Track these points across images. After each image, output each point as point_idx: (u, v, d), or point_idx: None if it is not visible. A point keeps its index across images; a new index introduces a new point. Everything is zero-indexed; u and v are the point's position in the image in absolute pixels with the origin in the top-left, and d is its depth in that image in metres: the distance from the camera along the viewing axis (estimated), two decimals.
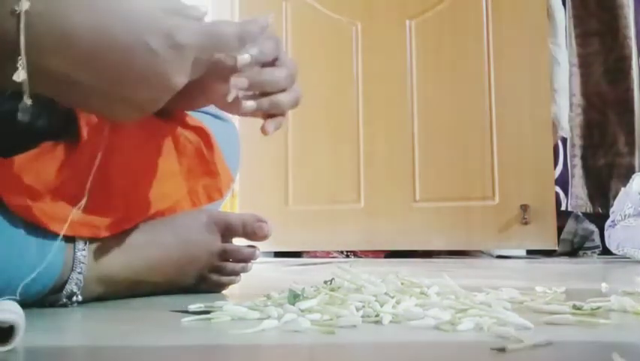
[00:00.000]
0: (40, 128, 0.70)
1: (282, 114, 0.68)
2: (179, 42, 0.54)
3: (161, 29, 0.53)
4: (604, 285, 0.74)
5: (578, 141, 2.29)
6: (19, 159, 0.68)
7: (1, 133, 0.69)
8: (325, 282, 0.68)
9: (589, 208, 2.25)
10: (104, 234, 0.69)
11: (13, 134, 0.69)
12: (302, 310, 0.55)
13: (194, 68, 0.57)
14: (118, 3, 0.53)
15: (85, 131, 0.72)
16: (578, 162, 2.28)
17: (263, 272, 1.31)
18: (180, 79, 0.55)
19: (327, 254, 2.24)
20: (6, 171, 0.65)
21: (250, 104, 0.65)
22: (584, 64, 2.29)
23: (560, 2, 2.28)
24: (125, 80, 0.54)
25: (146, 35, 0.53)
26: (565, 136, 2.28)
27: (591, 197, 2.27)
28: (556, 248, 2.12)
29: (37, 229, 0.65)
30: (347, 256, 2.22)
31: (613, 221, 1.86)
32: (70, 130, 0.72)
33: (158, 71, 0.54)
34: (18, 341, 0.43)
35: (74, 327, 0.58)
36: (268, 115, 0.68)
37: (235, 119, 0.87)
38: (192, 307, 0.62)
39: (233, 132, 0.91)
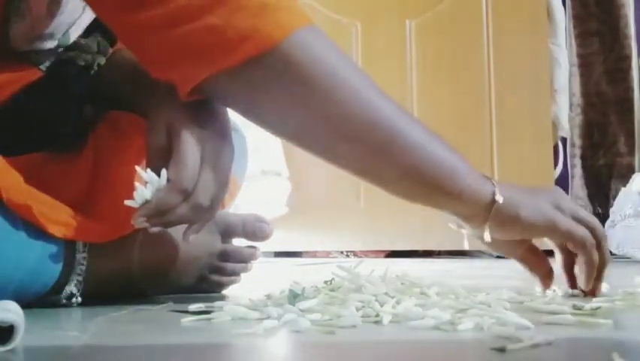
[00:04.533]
0: (62, 134, 0.72)
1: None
2: None
3: None
4: (604, 285, 0.74)
5: (577, 141, 2.29)
6: (23, 162, 0.68)
7: (19, 133, 0.71)
8: (325, 282, 0.68)
9: (589, 208, 2.25)
10: (103, 239, 0.69)
11: (31, 135, 0.71)
12: (302, 310, 0.55)
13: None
14: None
15: (89, 140, 0.74)
16: (577, 162, 2.28)
17: (263, 272, 1.31)
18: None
19: (327, 254, 2.24)
20: (9, 173, 0.65)
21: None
22: (584, 64, 2.29)
23: (560, 2, 2.28)
24: None
25: None
26: (565, 136, 2.28)
27: (591, 197, 2.27)
28: None
29: (38, 231, 0.65)
30: (347, 256, 2.22)
31: (613, 221, 1.86)
32: (78, 139, 0.74)
33: None
34: (18, 341, 0.43)
35: (74, 327, 0.58)
36: None
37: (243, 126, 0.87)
38: (192, 307, 0.62)
39: (243, 142, 0.91)
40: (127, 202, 0.62)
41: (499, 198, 0.65)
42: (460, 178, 0.64)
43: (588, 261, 0.68)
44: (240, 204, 1.64)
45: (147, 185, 0.62)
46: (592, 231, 0.68)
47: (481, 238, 0.68)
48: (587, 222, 0.68)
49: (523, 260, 0.72)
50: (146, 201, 0.62)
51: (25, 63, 0.69)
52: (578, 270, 0.70)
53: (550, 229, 0.67)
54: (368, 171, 0.65)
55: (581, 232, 0.67)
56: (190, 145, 0.62)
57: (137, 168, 0.63)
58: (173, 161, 0.62)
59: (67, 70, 0.72)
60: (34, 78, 0.69)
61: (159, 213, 0.62)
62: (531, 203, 0.66)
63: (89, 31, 0.73)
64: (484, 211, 0.65)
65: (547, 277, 0.72)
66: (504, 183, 0.67)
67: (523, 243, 0.71)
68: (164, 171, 0.62)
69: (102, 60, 0.74)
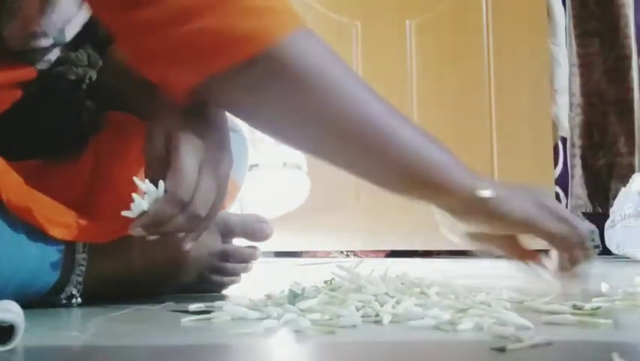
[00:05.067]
0: (62, 136, 0.72)
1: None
2: None
3: None
4: (604, 285, 0.74)
5: (577, 141, 2.28)
6: (23, 164, 0.68)
7: (20, 137, 0.71)
8: (325, 282, 0.68)
9: (589, 208, 2.25)
10: (103, 240, 0.69)
11: (31, 138, 0.71)
12: (302, 310, 0.55)
13: None
14: None
15: (90, 142, 0.74)
16: (577, 162, 2.28)
17: (263, 272, 1.31)
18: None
19: (327, 254, 2.24)
20: (9, 174, 0.65)
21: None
22: (584, 64, 2.29)
23: (560, 2, 2.27)
24: None
25: None
26: (565, 136, 2.28)
27: (591, 197, 2.26)
28: None
29: (38, 232, 0.65)
30: (347, 256, 2.22)
31: (613, 221, 1.86)
32: (78, 142, 0.74)
33: None
34: (18, 341, 0.43)
35: (74, 327, 0.58)
36: None
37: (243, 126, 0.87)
38: (192, 307, 0.62)
39: (243, 143, 0.91)
40: (124, 213, 0.62)
41: (487, 193, 0.65)
42: (451, 173, 0.65)
43: (570, 259, 0.70)
44: (260, 196, 1.65)
45: (145, 195, 0.62)
46: (574, 230, 0.69)
47: (469, 235, 0.71)
48: (570, 222, 0.70)
49: (508, 251, 0.73)
50: (144, 212, 0.62)
51: (20, 62, 0.68)
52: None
53: (530, 227, 0.68)
54: (361, 168, 0.66)
55: (563, 230, 0.68)
56: (188, 155, 0.62)
57: (135, 178, 0.62)
58: (172, 171, 0.62)
59: (58, 84, 0.72)
60: (30, 77, 0.69)
61: (157, 223, 0.62)
62: (516, 200, 0.68)
63: (78, 44, 0.73)
64: (473, 206, 0.66)
65: (533, 258, 0.73)
66: (494, 180, 0.68)
67: (511, 239, 0.72)
68: (161, 183, 0.62)
69: (94, 73, 0.74)
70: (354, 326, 0.52)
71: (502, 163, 2.14)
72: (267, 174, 1.70)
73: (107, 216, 0.69)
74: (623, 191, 1.90)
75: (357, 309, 0.56)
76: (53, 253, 0.66)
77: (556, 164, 2.24)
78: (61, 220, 0.66)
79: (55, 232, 0.65)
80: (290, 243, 2.18)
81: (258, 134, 1.80)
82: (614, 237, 1.82)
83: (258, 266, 0.89)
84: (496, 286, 0.71)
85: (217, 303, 0.62)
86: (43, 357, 0.43)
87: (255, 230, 0.82)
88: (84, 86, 0.73)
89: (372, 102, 0.64)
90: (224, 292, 0.83)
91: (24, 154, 0.71)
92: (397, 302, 0.58)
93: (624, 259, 1.76)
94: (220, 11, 0.57)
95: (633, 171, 2.10)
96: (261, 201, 1.70)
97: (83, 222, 0.67)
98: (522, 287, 0.74)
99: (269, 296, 0.65)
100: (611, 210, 1.92)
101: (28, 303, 0.61)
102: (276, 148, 1.71)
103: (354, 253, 2.23)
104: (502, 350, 0.41)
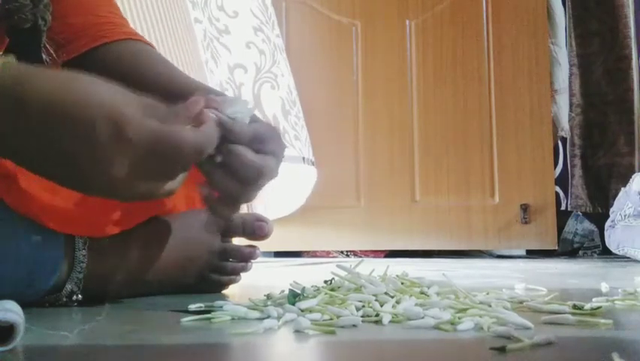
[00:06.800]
0: None
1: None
2: (125, 136, 0.48)
3: (112, 117, 0.47)
4: (604, 285, 0.74)
5: (577, 141, 2.29)
6: None
7: None
8: (325, 282, 0.68)
9: (589, 208, 2.25)
10: (103, 234, 0.69)
11: None
12: (302, 310, 0.55)
13: (143, 165, 0.49)
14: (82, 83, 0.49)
15: None
16: (577, 161, 2.28)
17: (263, 272, 1.31)
18: (116, 171, 0.48)
19: (327, 254, 2.24)
20: (6, 170, 0.65)
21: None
22: (584, 64, 2.29)
23: (560, 2, 2.28)
24: (61, 156, 0.48)
25: (96, 118, 0.47)
26: (565, 136, 2.28)
27: (591, 197, 2.27)
28: (557, 248, 2.12)
29: (37, 228, 0.65)
30: (347, 256, 2.22)
31: (613, 221, 1.86)
32: None
33: (92, 156, 0.48)
34: (18, 341, 0.43)
35: (74, 327, 0.58)
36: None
37: None
38: (192, 307, 0.62)
39: None
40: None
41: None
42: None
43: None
44: (281, 190, 1.65)
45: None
46: None
47: None
48: None
49: None
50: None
51: None
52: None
53: None
54: None
55: None
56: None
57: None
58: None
59: (20, 41, 0.68)
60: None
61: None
62: None
63: None
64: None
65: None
66: None
67: None
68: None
69: (45, 13, 0.70)
70: (354, 326, 0.52)
71: (502, 163, 2.14)
72: (288, 168, 1.71)
73: (106, 210, 0.69)
74: (623, 191, 1.90)
75: (357, 309, 0.57)
76: (54, 250, 0.66)
77: (556, 164, 2.24)
78: (61, 214, 0.65)
79: (55, 225, 0.65)
80: (290, 243, 2.18)
81: (282, 125, 1.78)
82: (614, 237, 1.82)
83: (257, 266, 0.89)
84: (496, 286, 0.72)
85: (217, 303, 0.62)
86: (43, 357, 0.43)
87: (255, 229, 0.82)
88: (44, 29, 0.70)
89: None
90: (224, 292, 0.83)
91: None
92: (397, 302, 0.58)
93: (624, 259, 1.76)
94: None
95: (633, 171, 2.10)
96: (280, 196, 1.71)
97: (82, 215, 0.67)
98: (522, 287, 0.74)
99: (269, 296, 0.65)
100: (611, 210, 1.92)
101: (28, 303, 0.61)
102: (295, 142, 1.71)
103: (354, 253, 2.23)
104: (502, 350, 0.41)
